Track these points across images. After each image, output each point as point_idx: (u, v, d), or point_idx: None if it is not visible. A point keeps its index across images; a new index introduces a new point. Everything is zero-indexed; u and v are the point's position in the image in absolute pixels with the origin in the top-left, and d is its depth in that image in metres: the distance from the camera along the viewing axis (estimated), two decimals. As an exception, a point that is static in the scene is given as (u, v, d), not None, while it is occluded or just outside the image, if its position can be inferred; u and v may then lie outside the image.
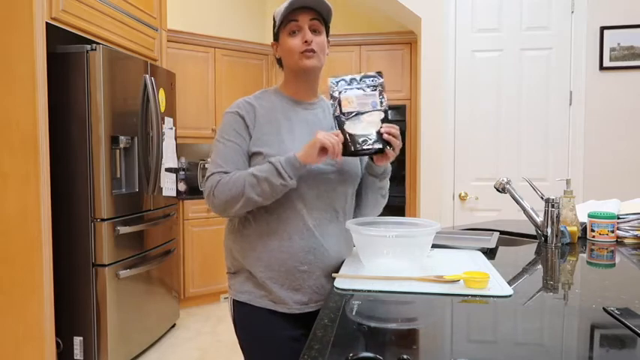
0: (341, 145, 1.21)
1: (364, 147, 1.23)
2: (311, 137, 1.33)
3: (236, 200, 1.25)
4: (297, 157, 1.21)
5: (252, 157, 1.31)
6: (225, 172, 1.29)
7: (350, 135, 1.23)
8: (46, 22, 2.32)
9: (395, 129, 1.24)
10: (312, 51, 1.31)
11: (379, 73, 1.30)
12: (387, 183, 1.42)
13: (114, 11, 2.82)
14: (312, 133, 1.34)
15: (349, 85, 1.28)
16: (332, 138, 1.19)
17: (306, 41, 1.29)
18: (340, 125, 1.25)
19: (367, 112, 1.26)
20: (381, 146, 1.23)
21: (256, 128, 1.32)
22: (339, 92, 1.27)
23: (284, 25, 1.31)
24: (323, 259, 1.31)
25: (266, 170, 1.22)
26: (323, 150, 1.19)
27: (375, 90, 1.28)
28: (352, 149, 1.23)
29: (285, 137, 1.31)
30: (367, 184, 1.41)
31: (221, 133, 1.34)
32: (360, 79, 1.29)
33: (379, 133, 1.23)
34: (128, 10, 2.98)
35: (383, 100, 1.28)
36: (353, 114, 1.25)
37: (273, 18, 1.36)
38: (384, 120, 1.25)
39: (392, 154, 1.25)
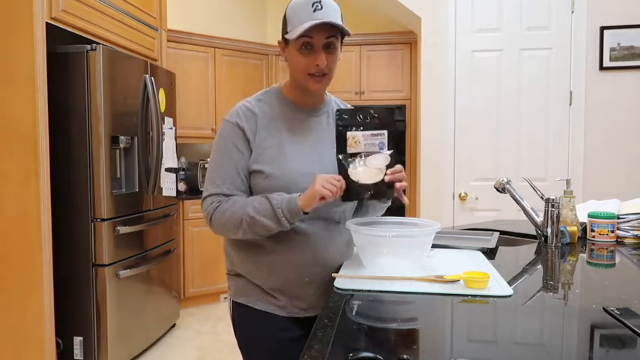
0: (341, 192, 1.17)
1: (365, 196, 1.21)
2: (314, 148, 1.29)
3: (232, 233, 1.25)
4: (299, 203, 1.16)
5: (252, 173, 1.26)
6: (224, 195, 1.25)
7: (353, 182, 1.19)
8: (46, 22, 2.32)
9: (400, 173, 1.20)
10: (323, 74, 1.23)
11: (399, 108, 1.24)
12: (387, 204, 1.42)
13: (114, 11, 2.82)
14: (315, 145, 1.30)
15: (357, 119, 1.20)
16: (332, 187, 1.14)
17: (317, 64, 1.21)
18: (343, 169, 1.19)
19: (373, 154, 1.19)
20: (384, 194, 1.21)
21: (257, 141, 1.26)
22: (346, 128, 1.20)
23: (296, 38, 1.19)
24: (325, 270, 1.29)
25: (265, 213, 1.18)
26: (322, 198, 1.15)
27: (385, 128, 1.20)
28: (355, 197, 1.22)
29: (288, 152, 1.26)
30: (367, 204, 1.40)
31: (219, 145, 1.28)
32: (373, 113, 1.20)
33: (384, 181, 1.19)
34: (128, 10, 2.98)
35: (391, 137, 1.20)
36: (358, 156, 1.20)
37: (284, 17, 1.25)
38: (390, 163, 1.19)
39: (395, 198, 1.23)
